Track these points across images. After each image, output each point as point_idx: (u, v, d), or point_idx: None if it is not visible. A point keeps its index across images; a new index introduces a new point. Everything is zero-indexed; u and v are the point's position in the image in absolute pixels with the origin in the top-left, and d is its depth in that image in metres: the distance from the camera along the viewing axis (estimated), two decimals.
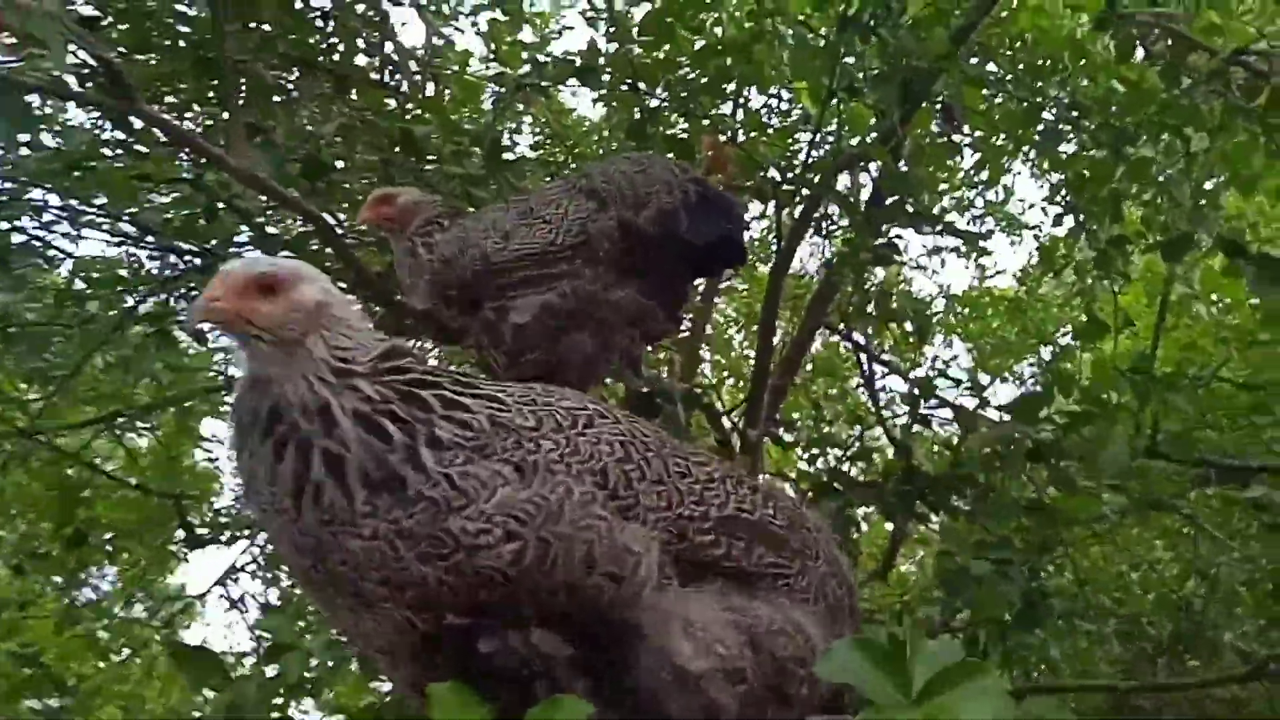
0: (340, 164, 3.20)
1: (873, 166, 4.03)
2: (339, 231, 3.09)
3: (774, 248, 4.07)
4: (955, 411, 3.27)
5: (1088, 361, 4.58)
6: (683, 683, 1.32)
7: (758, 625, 1.42)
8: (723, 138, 3.62)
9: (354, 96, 3.50)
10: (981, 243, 5.68)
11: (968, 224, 6.27)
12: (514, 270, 2.65)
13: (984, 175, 5.82)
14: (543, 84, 3.42)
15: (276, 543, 1.36)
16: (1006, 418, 2.92)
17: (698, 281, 3.14)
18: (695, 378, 5.36)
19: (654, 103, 3.29)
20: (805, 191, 3.60)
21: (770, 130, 4.01)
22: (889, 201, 3.30)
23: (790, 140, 4.14)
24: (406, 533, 1.26)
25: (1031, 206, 7.45)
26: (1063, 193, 4.26)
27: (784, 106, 4.34)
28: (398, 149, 3.15)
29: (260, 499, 1.33)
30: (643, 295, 2.63)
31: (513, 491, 1.29)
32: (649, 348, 2.95)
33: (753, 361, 6.06)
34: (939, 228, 3.57)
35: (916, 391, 3.16)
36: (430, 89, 3.98)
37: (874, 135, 3.56)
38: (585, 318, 2.60)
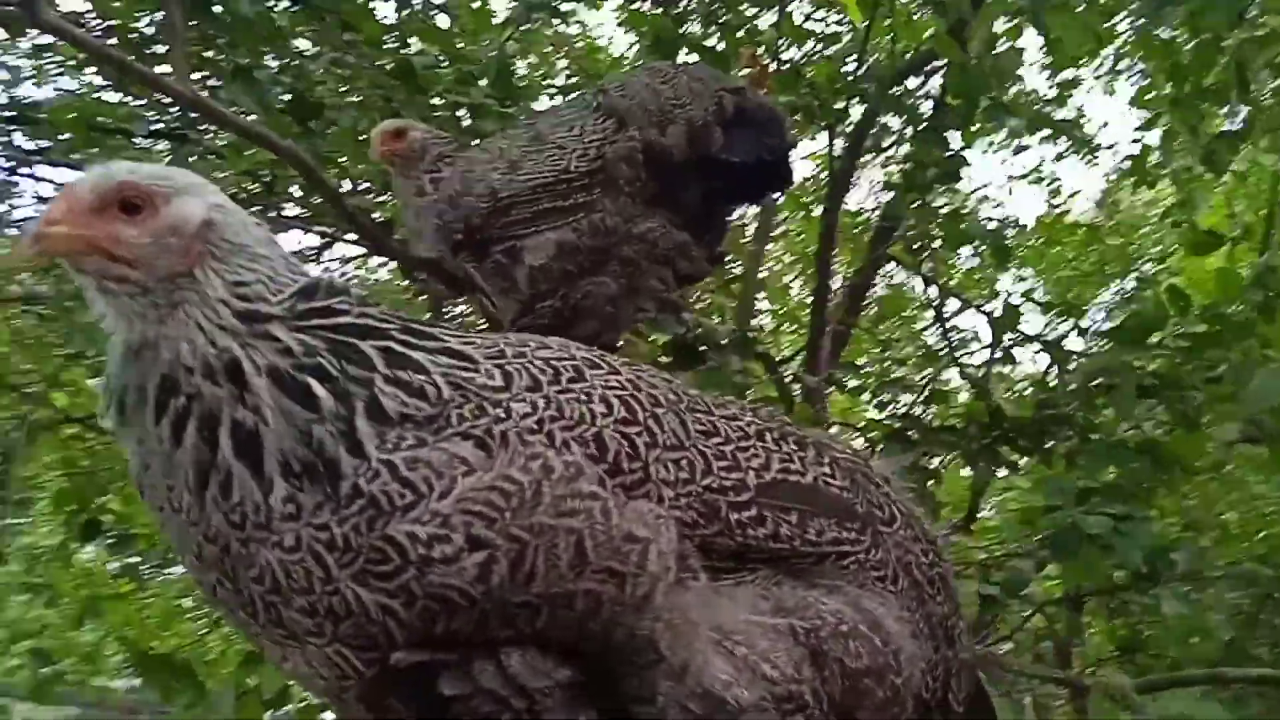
0: (336, 104, 2.87)
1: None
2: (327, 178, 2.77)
3: (825, 177, 3.67)
4: (1045, 345, 2.85)
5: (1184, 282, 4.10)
6: (720, 714, 0.97)
7: (820, 628, 1.06)
8: (761, 51, 3.22)
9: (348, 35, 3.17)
10: (1074, 142, 5.09)
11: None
12: (524, 204, 2.29)
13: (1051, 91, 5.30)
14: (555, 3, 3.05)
15: (179, 553, 1.03)
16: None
17: (741, 211, 2.75)
18: (748, 325, 4.99)
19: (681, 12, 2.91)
20: (858, 108, 3.18)
21: (815, 40, 3.58)
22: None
23: (838, 52, 3.69)
24: (337, 543, 0.93)
25: (1105, 125, 6.89)
26: (1149, 95, 3.79)
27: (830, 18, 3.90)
28: (396, 83, 2.82)
29: (155, 496, 1.00)
30: (674, 228, 2.28)
31: (476, 479, 0.94)
32: (686, 290, 2.58)
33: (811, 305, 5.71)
34: (1021, 126, 3.13)
35: (999, 320, 2.74)
36: (443, 21, 3.64)
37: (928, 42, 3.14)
38: (607, 256, 2.24)
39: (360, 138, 2.74)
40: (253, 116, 2.60)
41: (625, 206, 2.25)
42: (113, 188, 1.02)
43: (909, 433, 2.88)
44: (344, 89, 2.93)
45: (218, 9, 2.61)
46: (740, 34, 3.11)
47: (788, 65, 3.19)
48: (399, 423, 0.96)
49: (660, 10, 2.94)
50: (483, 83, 2.81)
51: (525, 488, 0.95)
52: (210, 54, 3.11)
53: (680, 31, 2.91)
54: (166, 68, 2.46)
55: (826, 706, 1.03)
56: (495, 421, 0.98)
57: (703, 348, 2.70)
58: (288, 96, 2.75)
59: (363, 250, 2.73)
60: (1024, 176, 6.23)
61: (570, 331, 2.29)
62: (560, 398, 1.02)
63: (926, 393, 3.12)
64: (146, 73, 2.08)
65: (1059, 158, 6.15)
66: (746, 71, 3.24)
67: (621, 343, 2.74)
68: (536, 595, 0.94)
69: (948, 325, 4.12)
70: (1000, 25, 3.61)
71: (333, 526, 0.92)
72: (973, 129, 2.93)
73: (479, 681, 0.94)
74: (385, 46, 3.06)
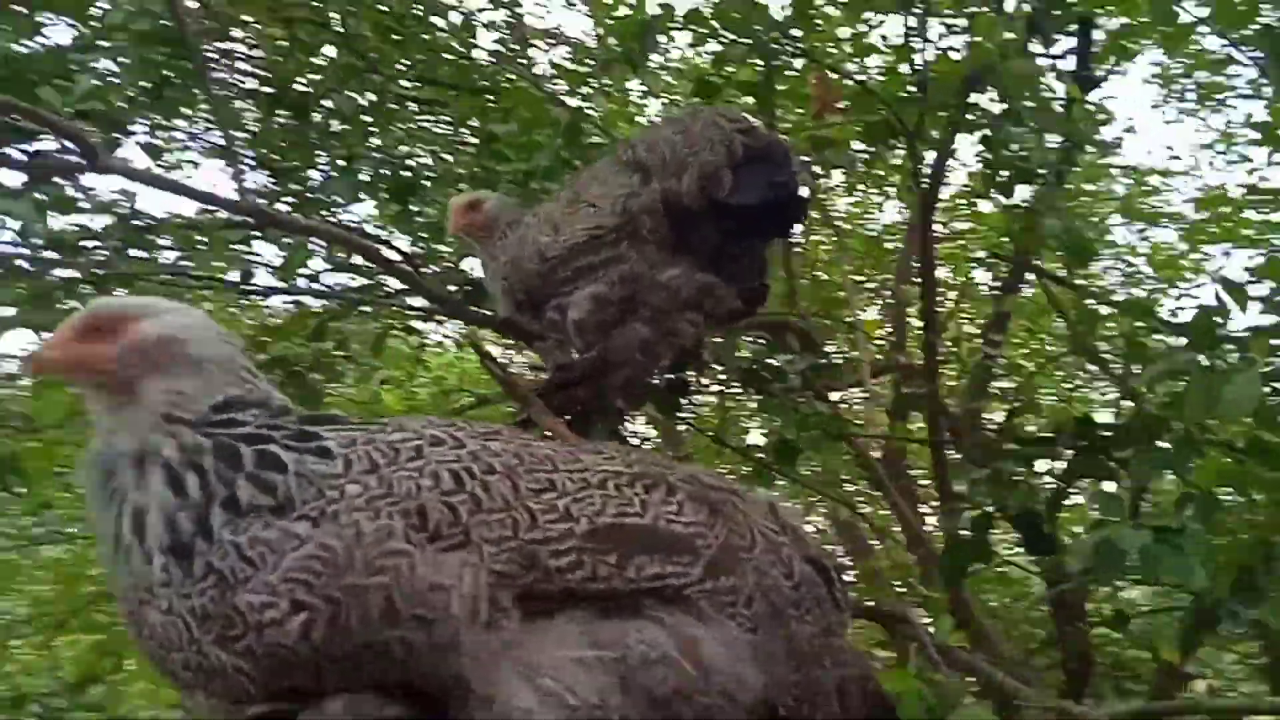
0: (429, 178, 3.17)
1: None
2: (408, 255, 3.05)
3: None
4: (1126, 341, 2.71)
5: None
6: None
7: (628, 657, 1.15)
8: (832, 76, 3.24)
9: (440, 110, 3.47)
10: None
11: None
12: (567, 263, 2.47)
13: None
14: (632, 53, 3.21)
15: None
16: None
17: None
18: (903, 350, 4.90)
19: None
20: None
21: (886, 51, 3.54)
22: None
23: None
24: (200, 612, 1.12)
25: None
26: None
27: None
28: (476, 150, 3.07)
29: (103, 558, 1.25)
30: (697, 271, 2.38)
31: (301, 550, 1.13)
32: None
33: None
34: None
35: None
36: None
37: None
38: (638, 304, 2.37)
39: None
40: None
41: (650, 255, 2.36)
42: (89, 318, 1.28)
43: (1004, 446, 2.82)
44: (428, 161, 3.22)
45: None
46: (798, 61, 3.14)
47: (859, 83, 3.17)
48: (248, 512, 1.15)
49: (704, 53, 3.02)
50: (556, 142, 3.01)
51: (339, 552, 1.11)
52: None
53: (725, 72, 2.98)
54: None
55: None
56: (329, 502, 1.15)
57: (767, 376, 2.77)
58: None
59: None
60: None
61: (607, 378, 2.46)
62: (392, 476, 1.18)
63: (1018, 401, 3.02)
64: (202, 193, 2.41)
65: None
66: (814, 92, 3.28)
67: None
68: (356, 646, 1.10)
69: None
70: None
71: (193, 597, 1.12)
72: None
73: None
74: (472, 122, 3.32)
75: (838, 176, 4.32)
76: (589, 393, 2.41)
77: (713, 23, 3.05)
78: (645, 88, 3.72)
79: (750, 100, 2.97)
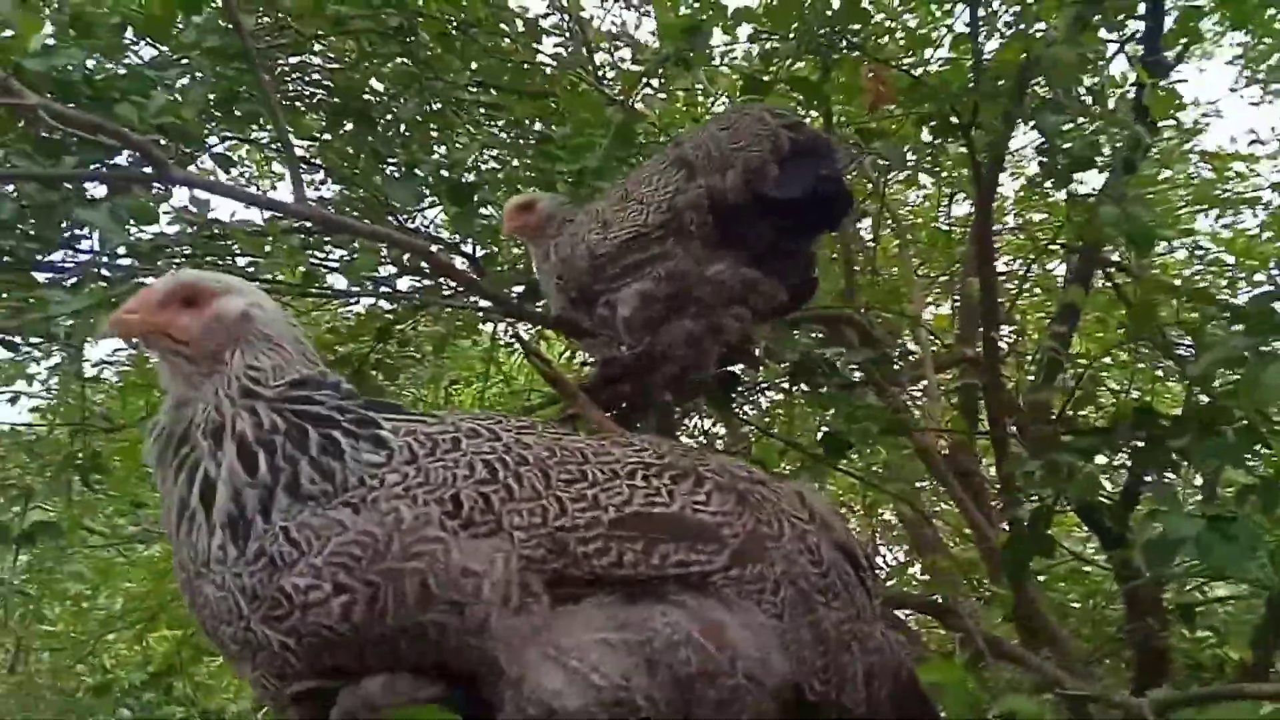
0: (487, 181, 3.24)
1: None
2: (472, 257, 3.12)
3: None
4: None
5: None
6: None
7: (654, 639, 1.19)
8: (875, 70, 3.23)
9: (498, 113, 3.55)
10: None
11: None
12: (616, 260, 2.51)
13: None
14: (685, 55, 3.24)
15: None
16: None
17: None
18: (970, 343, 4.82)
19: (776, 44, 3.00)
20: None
21: (939, 44, 3.51)
22: None
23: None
24: (250, 591, 1.19)
25: None
26: None
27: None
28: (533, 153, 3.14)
29: (166, 524, 1.32)
30: (742, 266, 2.40)
31: (344, 536, 1.18)
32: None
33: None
34: None
35: None
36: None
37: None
38: (685, 300, 2.40)
39: None
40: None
41: (696, 251, 2.40)
42: (175, 287, 1.37)
43: (1062, 435, 2.78)
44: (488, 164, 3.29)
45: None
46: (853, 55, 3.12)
47: (914, 75, 3.16)
48: (307, 498, 1.22)
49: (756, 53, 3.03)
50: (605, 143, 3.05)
51: (379, 539, 1.17)
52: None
53: (775, 69, 2.99)
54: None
55: (663, 708, 1.17)
56: (370, 490, 1.21)
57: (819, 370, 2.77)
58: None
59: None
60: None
61: (653, 372, 2.49)
62: (429, 466, 1.24)
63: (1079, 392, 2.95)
64: (262, 199, 2.51)
65: None
66: (868, 85, 3.27)
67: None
68: (393, 628, 1.15)
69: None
70: None
71: (244, 577, 1.19)
72: None
73: (342, 703, 1.18)
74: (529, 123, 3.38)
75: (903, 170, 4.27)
76: (636, 387, 2.46)
77: (763, 19, 3.08)
78: (700, 87, 3.74)
79: (799, 97, 2.97)
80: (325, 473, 1.23)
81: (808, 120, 2.52)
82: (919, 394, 4.08)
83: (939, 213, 5.64)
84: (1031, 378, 4.21)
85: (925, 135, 3.66)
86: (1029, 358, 4.69)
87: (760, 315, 2.47)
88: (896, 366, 3.27)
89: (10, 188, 2.85)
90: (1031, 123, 3.18)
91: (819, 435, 3.12)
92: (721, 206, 2.36)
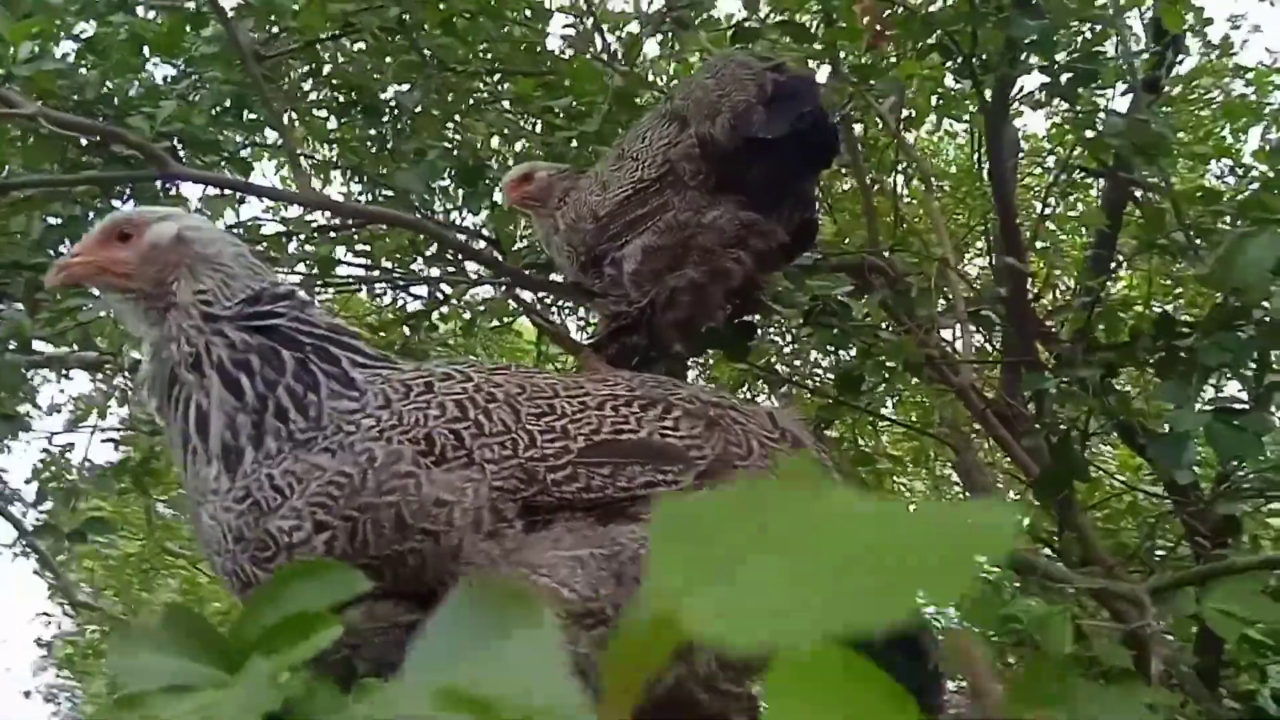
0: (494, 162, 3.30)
1: None
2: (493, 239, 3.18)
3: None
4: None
5: None
6: None
7: (620, 553, 1.24)
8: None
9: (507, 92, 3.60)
10: None
11: None
12: (617, 218, 2.55)
13: None
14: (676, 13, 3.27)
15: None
16: None
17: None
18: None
19: None
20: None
21: None
22: None
23: None
24: (233, 530, 1.26)
25: None
26: None
27: None
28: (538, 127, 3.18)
29: (176, 461, 1.40)
30: (739, 210, 2.42)
31: (322, 478, 1.25)
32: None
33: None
34: None
35: None
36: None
37: None
38: (685, 249, 2.44)
39: None
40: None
41: (694, 200, 2.43)
42: (109, 224, 1.42)
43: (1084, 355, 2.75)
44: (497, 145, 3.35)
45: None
46: None
47: (909, 7, 3.13)
48: (289, 436, 1.28)
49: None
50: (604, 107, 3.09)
51: (354, 477, 1.23)
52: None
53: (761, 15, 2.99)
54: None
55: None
56: (346, 435, 1.27)
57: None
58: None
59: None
60: None
61: (657, 321, 2.52)
62: (402, 409, 1.30)
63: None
64: (272, 190, 2.59)
65: None
66: (863, 21, 3.24)
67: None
68: (374, 558, 1.22)
69: None
70: None
71: (233, 518, 1.26)
72: None
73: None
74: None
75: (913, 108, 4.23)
76: (644, 339, 2.49)
77: None
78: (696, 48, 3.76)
79: (788, 40, 2.96)
80: (301, 406, 1.29)
81: (786, 62, 2.50)
82: (952, 334, 4.03)
83: (966, 153, 5.56)
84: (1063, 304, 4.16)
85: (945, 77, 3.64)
86: (1062, 286, 4.62)
87: (763, 257, 2.48)
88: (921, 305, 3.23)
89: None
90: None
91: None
92: (714, 153, 2.39)
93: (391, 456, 1.24)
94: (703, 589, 0.29)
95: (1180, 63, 5.74)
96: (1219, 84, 5.91)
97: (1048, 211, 4.83)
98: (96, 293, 1.63)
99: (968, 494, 5.69)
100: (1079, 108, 2.99)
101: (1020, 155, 5.24)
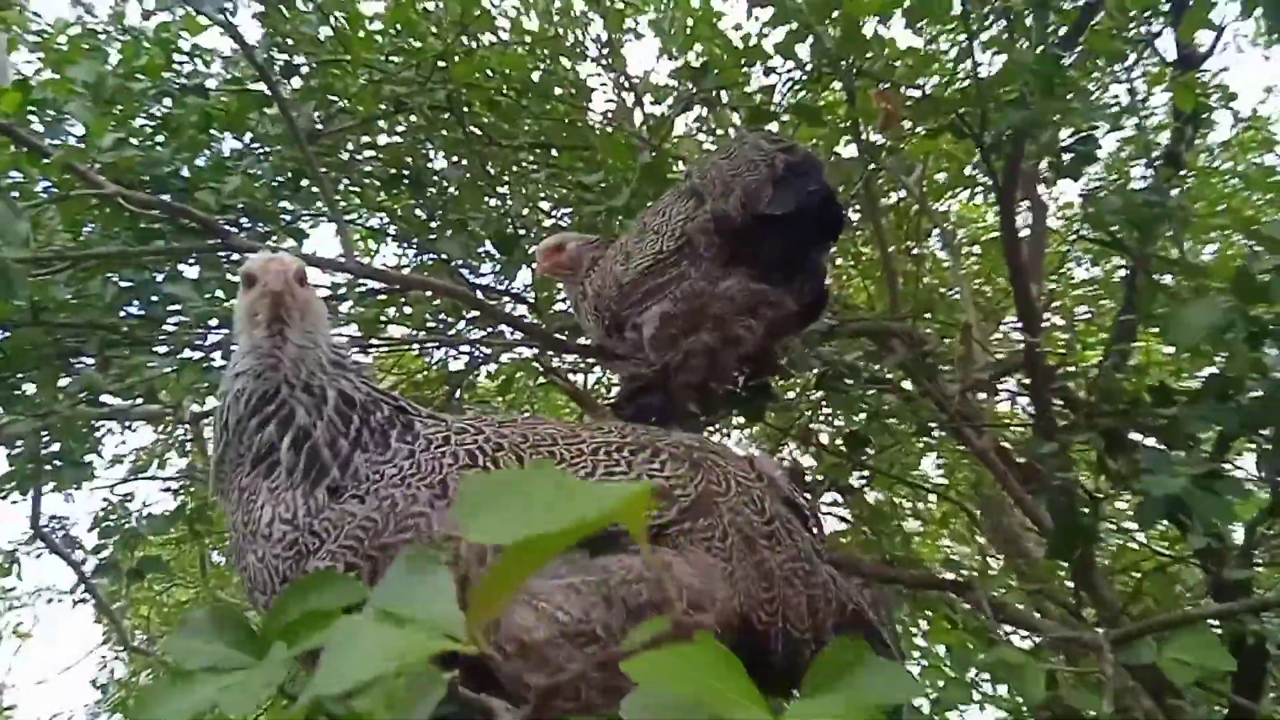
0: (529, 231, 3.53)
1: None
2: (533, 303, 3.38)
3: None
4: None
5: None
6: (525, 653, 1.35)
7: (609, 580, 1.39)
8: (887, 88, 3.40)
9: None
10: None
11: None
12: (638, 286, 2.74)
13: None
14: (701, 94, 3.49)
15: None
16: None
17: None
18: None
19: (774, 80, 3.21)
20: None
21: (945, 60, 3.65)
22: None
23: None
24: (282, 575, 1.45)
25: None
26: None
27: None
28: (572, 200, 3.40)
29: (221, 480, 1.59)
30: (751, 281, 2.59)
31: (352, 524, 1.44)
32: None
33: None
34: None
35: None
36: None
37: None
38: (700, 316, 2.61)
39: None
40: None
41: (708, 271, 2.61)
42: (299, 267, 1.67)
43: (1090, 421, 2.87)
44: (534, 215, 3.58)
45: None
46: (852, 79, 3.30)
47: (920, 91, 3.32)
48: (333, 484, 1.48)
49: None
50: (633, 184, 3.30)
51: (377, 521, 1.42)
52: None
53: (777, 102, 3.20)
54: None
55: (619, 635, 1.37)
56: (373, 484, 1.47)
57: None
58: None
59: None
60: None
61: (671, 384, 2.69)
62: (421, 458, 1.48)
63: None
64: (326, 260, 2.82)
65: None
66: (883, 105, 3.44)
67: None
68: None
69: None
70: None
71: (279, 563, 1.45)
72: None
73: None
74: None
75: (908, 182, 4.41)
76: (659, 399, 2.66)
77: (770, 56, 3.30)
78: (719, 127, 3.98)
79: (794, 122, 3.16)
80: (347, 459, 1.49)
81: (796, 143, 2.69)
82: (976, 398, 4.15)
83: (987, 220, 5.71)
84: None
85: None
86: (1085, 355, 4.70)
87: (773, 325, 2.65)
88: (944, 369, 3.37)
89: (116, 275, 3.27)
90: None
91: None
92: (727, 228, 2.58)
93: (409, 500, 1.43)
94: (477, 517, 0.49)
95: (1205, 137, 5.87)
96: (1245, 157, 6.00)
97: (1072, 279, 4.95)
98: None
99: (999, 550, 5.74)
100: (1089, 185, 3.12)
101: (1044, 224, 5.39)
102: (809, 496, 1.65)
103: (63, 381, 3.00)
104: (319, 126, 3.79)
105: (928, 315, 4.06)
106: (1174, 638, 1.62)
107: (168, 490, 5.09)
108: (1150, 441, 2.66)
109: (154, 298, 2.93)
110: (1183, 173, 4.80)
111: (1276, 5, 2.39)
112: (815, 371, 2.98)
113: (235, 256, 2.94)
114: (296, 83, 3.75)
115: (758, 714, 0.59)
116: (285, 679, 0.81)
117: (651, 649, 0.64)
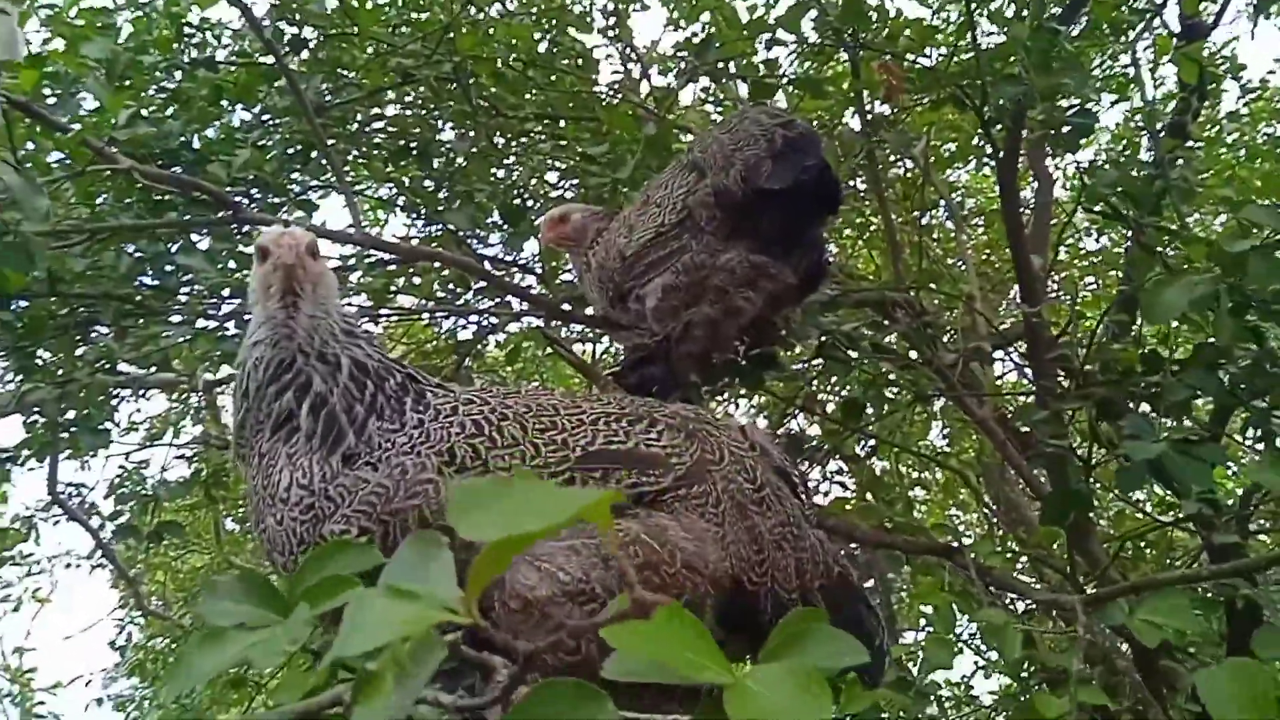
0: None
1: None
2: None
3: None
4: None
5: None
6: (528, 611, 1.43)
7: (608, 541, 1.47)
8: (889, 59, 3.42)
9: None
10: None
11: None
12: (641, 258, 2.79)
13: None
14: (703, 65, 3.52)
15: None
16: None
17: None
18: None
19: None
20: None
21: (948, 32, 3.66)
22: None
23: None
24: (299, 537, 1.52)
25: None
26: None
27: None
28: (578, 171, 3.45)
29: (242, 448, 1.66)
30: (750, 254, 2.64)
31: (365, 489, 1.51)
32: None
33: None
34: None
35: None
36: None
37: None
38: (702, 288, 2.66)
39: None
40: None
41: (710, 244, 2.66)
42: (311, 241, 1.73)
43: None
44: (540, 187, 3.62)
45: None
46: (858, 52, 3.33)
47: (922, 65, 3.35)
48: (349, 449, 1.55)
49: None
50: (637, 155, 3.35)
51: (389, 488, 1.49)
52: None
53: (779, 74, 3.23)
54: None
55: (616, 593, 1.44)
56: (384, 452, 1.54)
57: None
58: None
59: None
60: None
61: (673, 353, 2.75)
62: (430, 427, 1.55)
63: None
64: (333, 232, 2.87)
65: None
66: (881, 77, 3.47)
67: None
68: None
69: None
70: None
71: (297, 525, 1.52)
72: None
73: None
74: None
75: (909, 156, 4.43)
76: (662, 369, 2.72)
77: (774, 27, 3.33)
78: (725, 98, 4.01)
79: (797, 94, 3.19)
80: (362, 425, 1.56)
81: (795, 118, 2.73)
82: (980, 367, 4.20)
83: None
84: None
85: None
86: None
87: (773, 296, 2.70)
88: (945, 339, 3.41)
89: (134, 247, 3.34)
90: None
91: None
92: (727, 202, 2.62)
93: (418, 467, 1.50)
94: (466, 515, 0.56)
95: (1214, 108, 5.86)
96: (1256, 129, 5.99)
97: (1081, 247, 4.97)
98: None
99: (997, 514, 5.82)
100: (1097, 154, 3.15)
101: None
102: (800, 465, 1.71)
103: (79, 350, 3.07)
104: (327, 98, 3.84)
105: (932, 286, 4.10)
106: (1145, 600, 1.68)
107: (181, 457, 5.20)
108: (1145, 409, 2.73)
109: (168, 268, 3.00)
110: (1189, 144, 4.82)
111: None
112: (815, 341, 3.02)
113: (246, 228, 3.01)
114: (304, 55, 3.79)
115: (718, 675, 0.67)
116: (307, 636, 0.88)
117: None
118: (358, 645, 0.70)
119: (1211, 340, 2.60)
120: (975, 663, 5.38)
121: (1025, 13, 2.91)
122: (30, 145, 3.11)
